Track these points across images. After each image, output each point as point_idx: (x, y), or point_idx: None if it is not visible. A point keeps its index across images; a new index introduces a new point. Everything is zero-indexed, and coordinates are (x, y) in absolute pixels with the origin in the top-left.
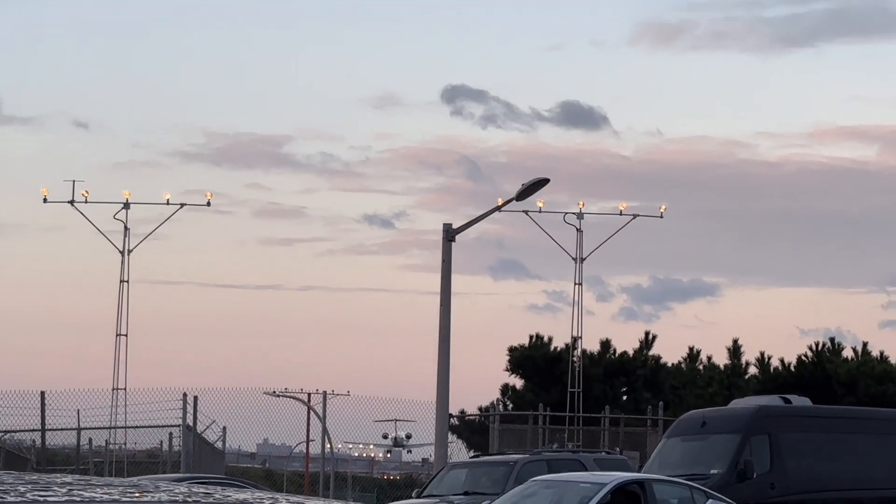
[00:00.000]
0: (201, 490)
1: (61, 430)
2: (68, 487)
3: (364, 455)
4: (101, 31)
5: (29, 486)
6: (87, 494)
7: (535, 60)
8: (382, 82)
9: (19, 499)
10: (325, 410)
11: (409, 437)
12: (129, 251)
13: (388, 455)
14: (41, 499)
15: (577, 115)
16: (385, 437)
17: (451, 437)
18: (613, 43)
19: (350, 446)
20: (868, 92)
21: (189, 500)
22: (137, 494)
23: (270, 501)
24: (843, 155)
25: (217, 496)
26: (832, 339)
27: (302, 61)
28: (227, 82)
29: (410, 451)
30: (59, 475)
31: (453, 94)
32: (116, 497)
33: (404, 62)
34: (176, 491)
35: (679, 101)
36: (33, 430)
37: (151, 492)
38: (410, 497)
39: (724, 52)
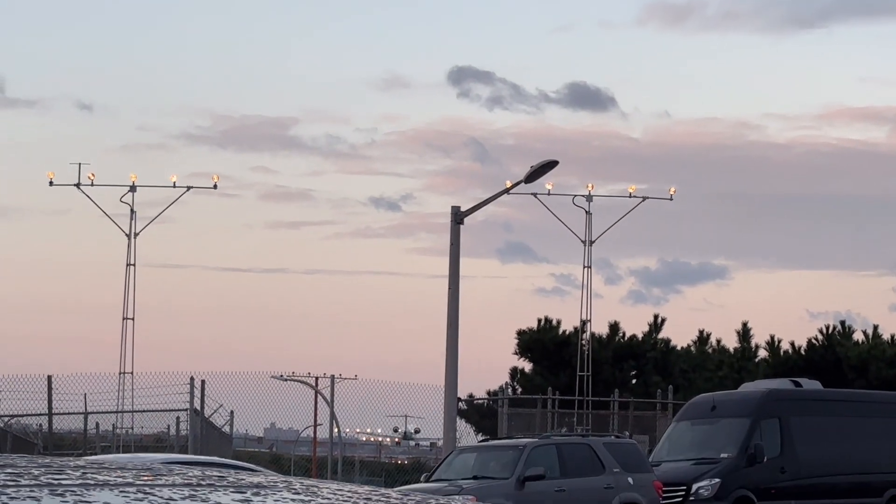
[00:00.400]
0: (215, 473)
1: (68, 414)
2: (82, 471)
3: (372, 440)
4: (105, 12)
5: (42, 470)
6: (101, 477)
7: (542, 41)
8: (388, 64)
9: (33, 482)
10: (332, 394)
11: (417, 431)
12: (136, 234)
13: (398, 442)
14: (55, 482)
15: (585, 97)
16: (396, 430)
17: (461, 423)
18: (621, 23)
19: (357, 430)
20: (879, 73)
21: (203, 483)
22: (151, 478)
23: (284, 484)
24: (853, 136)
25: (231, 479)
26: (842, 323)
27: (307, 43)
28: (233, 64)
29: (418, 445)
30: (71, 459)
31: (460, 75)
32: (130, 480)
33: (410, 43)
34: (189, 474)
35: (688, 82)
36: (40, 415)
37: (165, 475)
38: (419, 481)
39: (734, 33)
